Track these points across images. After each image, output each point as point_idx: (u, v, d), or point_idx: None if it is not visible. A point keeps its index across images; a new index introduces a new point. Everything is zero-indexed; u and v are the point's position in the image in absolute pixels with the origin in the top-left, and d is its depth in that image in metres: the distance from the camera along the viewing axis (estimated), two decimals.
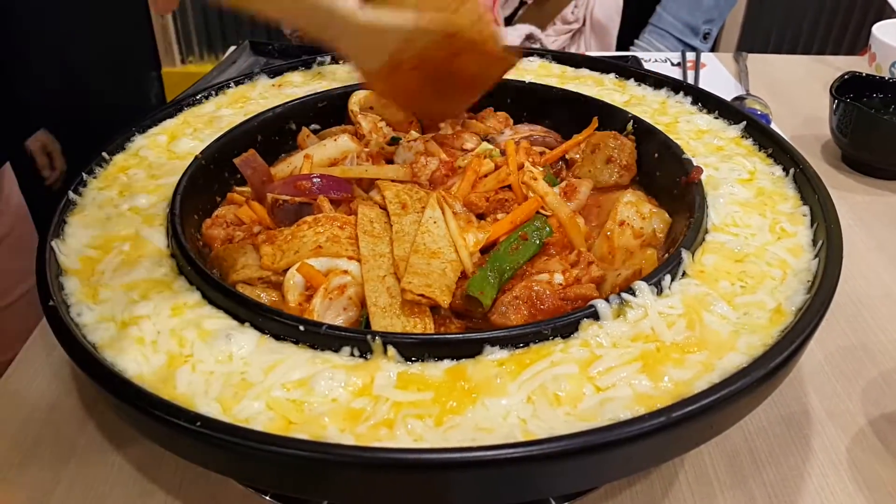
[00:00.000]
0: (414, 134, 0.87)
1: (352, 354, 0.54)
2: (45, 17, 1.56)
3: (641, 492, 0.66)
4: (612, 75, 1.01)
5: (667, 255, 0.67)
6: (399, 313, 0.61)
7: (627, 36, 1.80)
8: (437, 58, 0.70)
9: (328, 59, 1.06)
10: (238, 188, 0.82)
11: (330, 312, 0.62)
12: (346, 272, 0.64)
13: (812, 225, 0.69)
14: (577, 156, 0.85)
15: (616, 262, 0.70)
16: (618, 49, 1.78)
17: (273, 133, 0.88)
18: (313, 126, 0.92)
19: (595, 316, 0.57)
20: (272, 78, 1.02)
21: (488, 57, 0.74)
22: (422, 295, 0.60)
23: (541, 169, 0.79)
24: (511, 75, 1.00)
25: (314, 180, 0.74)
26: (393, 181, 0.77)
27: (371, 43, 0.67)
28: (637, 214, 0.73)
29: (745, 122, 0.86)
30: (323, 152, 0.83)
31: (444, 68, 0.72)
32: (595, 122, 0.87)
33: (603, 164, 0.82)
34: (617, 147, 0.82)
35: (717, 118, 0.89)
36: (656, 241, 0.73)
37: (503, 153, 0.81)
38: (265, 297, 0.64)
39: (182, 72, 2.86)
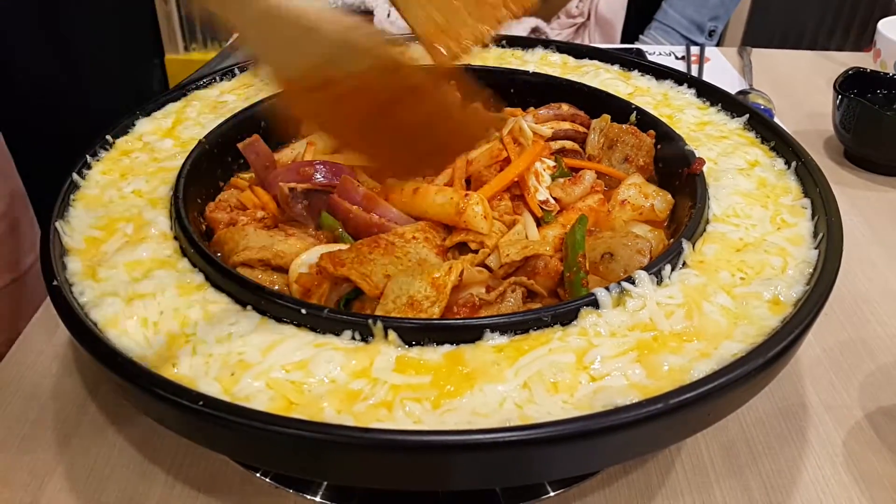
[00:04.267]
0: None
1: (353, 338, 0.55)
2: (46, 3, 1.56)
3: (638, 480, 0.66)
4: (616, 67, 1.01)
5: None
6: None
7: (632, 31, 1.80)
8: (377, 91, 0.54)
9: None
10: (241, 173, 0.82)
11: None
12: None
13: (813, 218, 0.69)
14: (593, 148, 0.84)
15: (616, 235, 0.70)
16: (622, 44, 1.78)
17: (277, 119, 0.88)
18: None
19: (595, 304, 0.58)
20: None
21: (448, 112, 0.58)
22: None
23: (552, 164, 0.79)
24: (514, 65, 1.01)
25: (317, 167, 0.74)
26: None
27: (284, 38, 0.50)
28: (640, 194, 0.74)
29: (747, 115, 0.86)
30: (327, 139, 0.83)
31: (392, 110, 0.56)
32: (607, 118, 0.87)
33: (619, 163, 0.82)
34: (634, 145, 0.82)
35: (720, 111, 0.89)
36: (655, 217, 0.74)
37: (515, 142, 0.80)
38: (264, 278, 0.64)
39: (185, 59, 2.85)
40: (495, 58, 1.04)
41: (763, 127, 0.84)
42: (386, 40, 0.54)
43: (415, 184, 0.72)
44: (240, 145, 0.78)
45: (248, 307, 0.58)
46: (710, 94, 0.92)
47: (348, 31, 0.51)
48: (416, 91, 0.55)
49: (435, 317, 0.58)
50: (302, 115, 0.58)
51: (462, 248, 0.69)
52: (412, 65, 0.54)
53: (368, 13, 1.50)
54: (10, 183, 1.09)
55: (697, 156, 0.76)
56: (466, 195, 0.68)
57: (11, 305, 1.04)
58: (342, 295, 0.63)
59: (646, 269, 0.60)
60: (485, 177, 0.75)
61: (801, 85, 1.43)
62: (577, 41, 1.76)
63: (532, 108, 0.91)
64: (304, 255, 0.66)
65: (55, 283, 0.58)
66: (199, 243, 0.63)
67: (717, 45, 1.78)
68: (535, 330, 0.56)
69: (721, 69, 1.48)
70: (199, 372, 0.53)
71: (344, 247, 0.66)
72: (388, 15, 1.47)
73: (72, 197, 0.73)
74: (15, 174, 1.11)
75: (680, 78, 0.95)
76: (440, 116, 0.58)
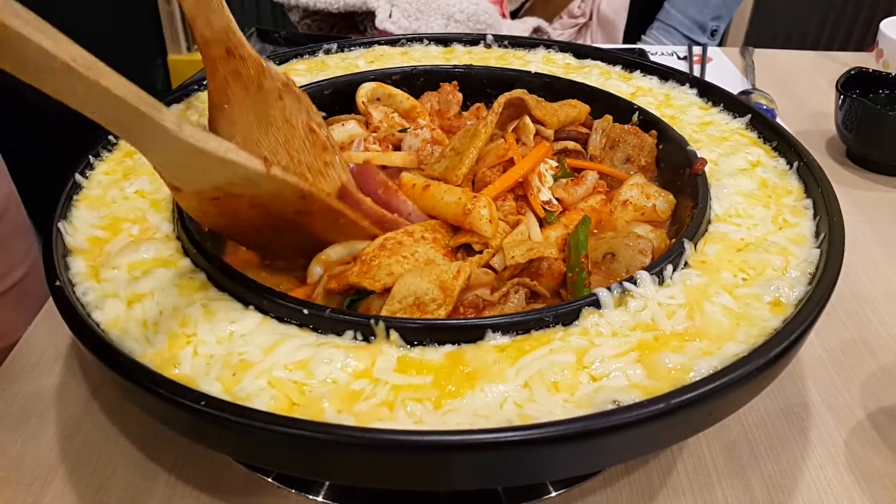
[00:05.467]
0: (421, 122, 0.87)
1: (354, 338, 0.55)
2: (48, 3, 1.56)
3: (639, 480, 0.66)
4: (618, 67, 1.01)
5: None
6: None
7: (634, 31, 1.80)
8: (280, 208, 0.59)
9: (334, 46, 1.06)
10: None
11: None
12: None
13: (815, 218, 0.69)
14: (595, 148, 0.84)
15: (619, 235, 0.70)
16: (624, 45, 1.78)
17: None
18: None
19: (596, 304, 0.58)
20: (278, 65, 1.02)
21: (343, 225, 0.65)
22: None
23: (555, 164, 0.79)
24: (516, 66, 1.01)
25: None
26: (401, 169, 0.78)
27: (194, 165, 0.52)
28: (642, 195, 0.74)
29: (749, 115, 0.86)
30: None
31: (288, 219, 0.62)
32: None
33: (621, 163, 0.82)
34: (636, 146, 0.82)
35: (722, 111, 0.89)
36: (657, 217, 0.74)
37: (518, 140, 0.80)
38: (266, 277, 0.64)
39: (188, 59, 2.86)
40: (497, 58, 1.04)
41: (765, 127, 0.84)
42: (290, 182, 0.58)
43: (426, 181, 0.72)
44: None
45: (251, 307, 0.58)
46: (712, 94, 0.92)
47: (256, 174, 0.54)
48: (304, 213, 0.61)
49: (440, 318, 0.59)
50: (194, 213, 0.60)
51: (467, 248, 0.69)
52: (309, 196, 0.59)
53: (370, 13, 1.50)
54: (4, 186, 1.08)
55: (699, 156, 0.76)
56: (475, 197, 0.68)
57: (10, 309, 1.03)
58: (344, 296, 0.63)
59: (647, 269, 0.60)
60: (488, 177, 0.75)
61: (804, 85, 1.43)
62: (580, 41, 1.76)
63: None
64: (328, 251, 0.67)
65: (58, 283, 0.59)
66: (200, 244, 0.63)
67: (720, 44, 1.78)
68: (536, 330, 0.56)
69: (723, 69, 1.48)
70: (200, 372, 0.53)
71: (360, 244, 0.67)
72: (390, 15, 1.48)
73: (74, 197, 0.73)
74: (7, 177, 1.10)
75: (682, 78, 0.95)
76: (330, 226, 0.64)
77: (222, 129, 0.68)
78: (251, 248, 0.68)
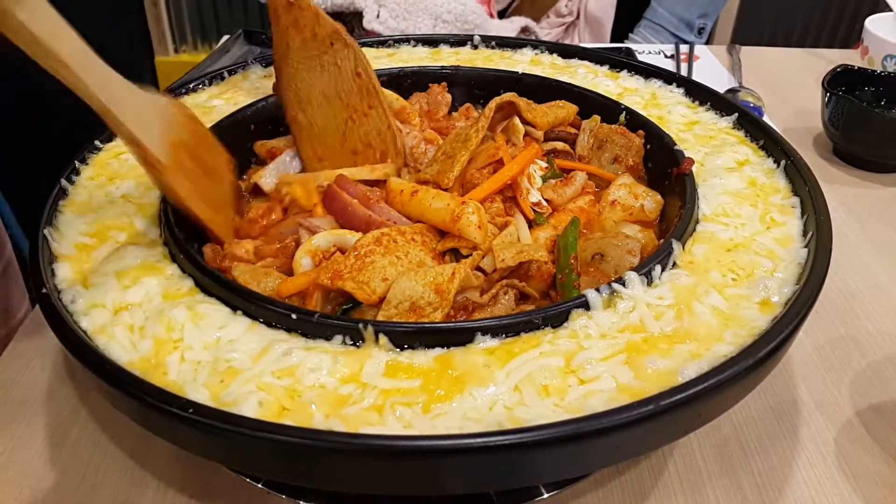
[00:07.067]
0: (413, 122, 0.87)
1: (343, 342, 0.55)
2: None
3: (631, 480, 0.66)
4: (605, 67, 1.01)
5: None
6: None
7: (622, 29, 1.80)
8: (189, 144, 0.69)
9: None
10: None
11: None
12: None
13: (802, 216, 0.70)
14: (583, 149, 0.84)
15: (607, 235, 0.70)
16: (612, 43, 1.78)
17: (266, 122, 0.88)
18: None
19: (585, 306, 0.58)
20: (265, 67, 1.02)
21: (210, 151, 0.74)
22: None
23: (544, 165, 0.79)
24: (503, 66, 1.01)
25: None
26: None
27: (147, 117, 0.64)
28: (630, 195, 0.74)
29: (736, 114, 0.86)
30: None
31: (200, 157, 0.71)
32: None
33: (608, 163, 0.82)
34: (624, 146, 0.82)
35: (709, 110, 0.90)
36: (645, 217, 0.74)
37: (508, 141, 0.80)
38: (251, 281, 0.64)
39: (175, 61, 2.85)
40: (484, 59, 1.04)
41: (752, 125, 0.84)
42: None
43: (414, 186, 0.72)
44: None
45: (238, 312, 0.58)
46: (698, 93, 0.92)
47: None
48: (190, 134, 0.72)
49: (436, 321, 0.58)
50: (180, 194, 0.67)
51: (455, 252, 0.69)
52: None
53: (357, 14, 1.50)
54: None
55: (686, 155, 0.76)
56: (463, 203, 0.68)
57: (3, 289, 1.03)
58: (337, 304, 0.63)
59: (636, 269, 0.60)
60: (477, 179, 0.74)
61: (791, 82, 1.43)
62: (567, 40, 1.76)
63: None
64: (315, 239, 0.67)
65: (44, 290, 0.58)
66: (188, 249, 0.62)
67: (707, 43, 1.79)
68: (525, 332, 0.56)
69: (710, 67, 1.49)
70: (187, 378, 0.52)
71: (351, 236, 0.66)
72: (378, 15, 1.47)
73: (60, 203, 0.72)
74: None
75: (669, 77, 0.96)
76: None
77: (284, 73, 0.79)
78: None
